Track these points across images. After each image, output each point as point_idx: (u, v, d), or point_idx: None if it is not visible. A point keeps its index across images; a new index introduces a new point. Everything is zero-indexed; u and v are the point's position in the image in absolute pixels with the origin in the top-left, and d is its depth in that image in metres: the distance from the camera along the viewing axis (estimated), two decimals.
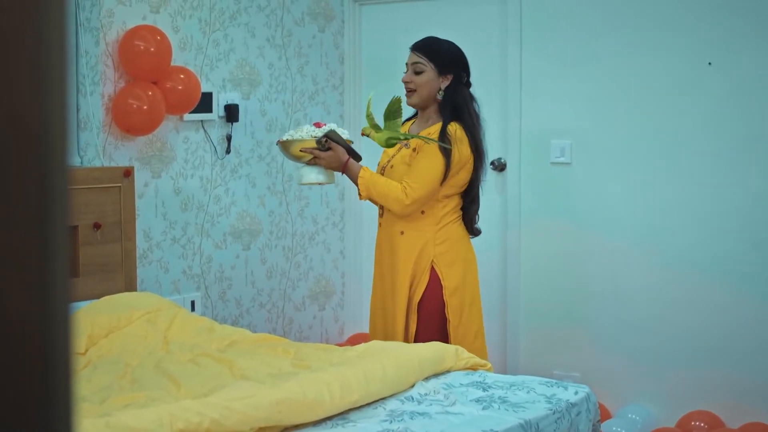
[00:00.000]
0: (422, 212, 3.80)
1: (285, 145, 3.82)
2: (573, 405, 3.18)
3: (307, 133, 3.80)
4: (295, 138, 3.80)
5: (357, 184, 3.79)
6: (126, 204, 4.26)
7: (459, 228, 3.90)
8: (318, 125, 3.86)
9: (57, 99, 0.69)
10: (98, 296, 4.00)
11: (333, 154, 3.77)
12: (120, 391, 3.17)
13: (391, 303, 3.87)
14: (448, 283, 3.81)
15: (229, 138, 4.91)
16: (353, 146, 3.92)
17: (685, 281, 4.64)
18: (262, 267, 5.16)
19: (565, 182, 4.93)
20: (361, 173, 3.77)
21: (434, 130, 3.79)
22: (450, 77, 3.83)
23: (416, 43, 3.90)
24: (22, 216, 0.67)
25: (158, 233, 4.61)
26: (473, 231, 3.96)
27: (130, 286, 4.27)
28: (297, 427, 2.83)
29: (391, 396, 3.13)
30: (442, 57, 3.83)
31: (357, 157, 3.85)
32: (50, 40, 0.69)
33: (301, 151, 3.79)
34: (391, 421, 2.90)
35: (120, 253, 4.23)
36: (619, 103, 4.77)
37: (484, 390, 3.23)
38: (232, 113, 4.89)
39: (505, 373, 4.81)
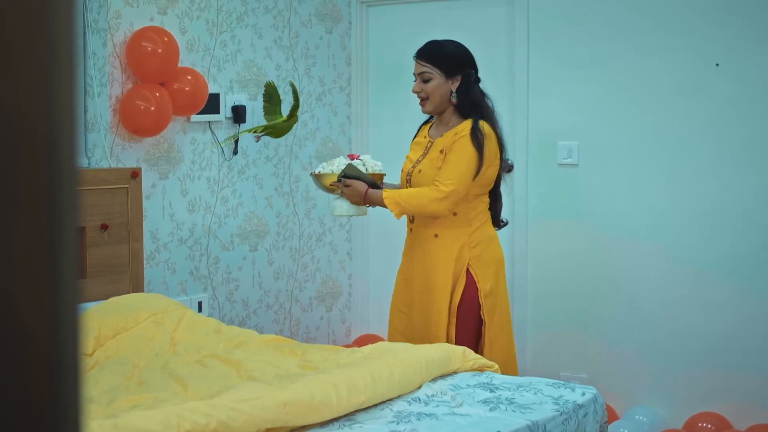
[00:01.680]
0: (454, 214, 3.78)
1: (318, 178, 3.92)
2: (580, 406, 3.18)
3: (338, 167, 3.88)
4: (326, 171, 3.88)
5: (386, 206, 3.76)
6: (133, 205, 4.26)
7: (490, 229, 3.90)
8: (352, 157, 3.94)
9: (65, 100, 0.70)
10: (105, 297, 4.01)
11: (353, 189, 3.80)
12: (127, 393, 3.17)
13: (425, 307, 3.84)
14: (483, 285, 3.80)
15: (236, 140, 4.91)
16: (385, 176, 3.99)
17: (692, 282, 4.63)
18: (269, 268, 5.16)
19: (573, 183, 4.93)
20: (384, 194, 3.75)
21: (461, 128, 3.77)
22: (459, 78, 3.81)
23: (419, 51, 3.87)
24: (31, 217, 0.68)
25: (165, 234, 4.61)
26: (499, 224, 3.95)
27: (137, 287, 4.28)
28: (304, 428, 2.83)
29: (397, 397, 3.13)
30: (448, 60, 3.81)
31: (376, 187, 3.86)
32: (58, 41, 0.69)
33: (330, 185, 3.86)
34: (397, 423, 2.90)
35: (127, 254, 4.24)
36: (626, 104, 4.76)
37: (491, 391, 3.23)
38: (239, 114, 4.89)
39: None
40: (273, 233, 5.18)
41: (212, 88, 4.73)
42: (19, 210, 0.67)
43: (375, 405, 3.04)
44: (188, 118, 4.66)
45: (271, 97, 4.11)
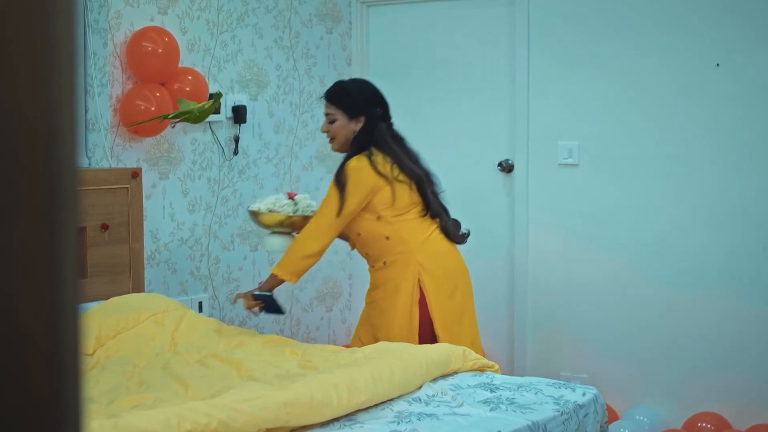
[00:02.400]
0: (387, 238, 3.89)
1: (254, 215, 4.05)
2: (581, 406, 3.18)
3: (274, 204, 4.01)
4: (263, 210, 4.00)
5: (276, 277, 3.96)
6: (134, 205, 4.26)
7: (437, 245, 3.95)
8: (291, 195, 4.06)
9: (66, 100, 0.70)
10: (106, 297, 4.01)
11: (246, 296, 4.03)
12: (128, 393, 3.17)
13: (388, 334, 3.90)
14: (433, 298, 3.88)
15: (236, 139, 4.91)
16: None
17: (692, 283, 4.63)
18: (269, 268, 5.16)
19: (573, 184, 4.93)
20: (272, 270, 3.99)
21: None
22: (362, 119, 3.94)
23: (325, 93, 4.05)
24: (32, 217, 0.68)
25: (166, 234, 4.61)
26: (457, 240, 4.02)
27: (138, 287, 4.28)
28: (304, 428, 2.83)
29: (398, 397, 3.13)
30: (350, 102, 3.95)
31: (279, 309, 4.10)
32: (59, 41, 0.69)
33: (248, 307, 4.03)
34: (398, 423, 2.90)
35: (128, 255, 4.24)
36: (626, 104, 4.76)
37: (492, 391, 3.23)
38: (239, 114, 4.90)
39: (512, 374, 4.81)
40: None
41: (213, 88, 4.73)
42: (19, 210, 0.67)
43: (375, 405, 3.04)
44: None
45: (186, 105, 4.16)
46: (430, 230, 3.95)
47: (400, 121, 5.42)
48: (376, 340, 3.91)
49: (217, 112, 4.67)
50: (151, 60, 4.31)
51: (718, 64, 4.52)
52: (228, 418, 2.67)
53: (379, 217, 3.88)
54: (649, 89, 4.70)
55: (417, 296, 3.87)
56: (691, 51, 4.58)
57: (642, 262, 4.76)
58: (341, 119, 3.95)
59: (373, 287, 4.02)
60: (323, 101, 4.02)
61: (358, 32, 5.57)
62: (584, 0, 4.85)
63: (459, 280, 3.99)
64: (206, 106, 4.16)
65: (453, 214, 4.07)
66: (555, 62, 4.94)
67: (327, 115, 3.99)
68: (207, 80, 4.62)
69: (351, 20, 5.58)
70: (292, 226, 4.04)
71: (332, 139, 4.00)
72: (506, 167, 5.15)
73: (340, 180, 3.85)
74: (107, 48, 4.30)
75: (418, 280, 3.87)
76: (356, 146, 3.92)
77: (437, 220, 3.97)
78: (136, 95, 4.30)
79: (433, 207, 3.97)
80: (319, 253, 3.92)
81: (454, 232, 4.01)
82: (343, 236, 4.06)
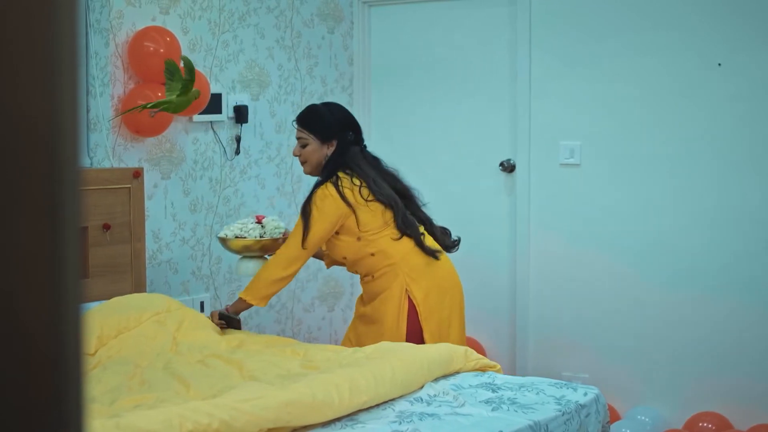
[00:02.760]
0: (372, 255, 3.91)
1: (223, 241, 4.06)
2: (582, 406, 3.18)
3: (241, 229, 4.03)
4: (230, 236, 4.02)
5: (246, 300, 3.94)
6: (135, 205, 4.26)
7: (417, 257, 3.95)
8: (259, 219, 4.07)
9: (68, 100, 0.70)
10: (108, 297, 4.01)
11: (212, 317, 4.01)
12: (129, 392, 3.17)
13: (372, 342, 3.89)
14: (424, 308, 3.91)
15: (238, 139, 4.91)
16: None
17: (694, 283, 4.63)
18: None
19: (575, 183, 4.93)
20: (240, 295, 3.98)
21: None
22: (334, 143, 3.95)
23: (297, 117, 4.06)
24: (34, 217, 0.68)
25: (167, 234, 4.62)
26: (447, 247, 4.03)
27: (140, 287, 4.28)
28: (306, 428, 2.83)
29: (400, 397, 3.13)
30: (322, 127, 3.96)
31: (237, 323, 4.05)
32: (61, 41, 0.69)
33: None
34: (400, 422, 2.90)
35: (129, 254, 4.24)
36: (628, 104, 4.76)
37: (494, 391, 3.23)
38: (241, 114, 4.90)
39: (514, 374, 4.81)
40: None
41: (214, 88, 4.73)
42: (21, 210, 0.67)
43: (377, 405, 3.04)
44: (190, 118, 4.66)
45: (172, 74, 4.10)
46: (411, 243, 3.95)
47: (400, 121, 5.43)
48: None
49: (218, 110, 4.62)
50: (153, 60, 4.31)
51: (719, 64, 4.52)
52: (230, 417, 2.66)
53: (359, 238, 3.91)
54: (650, 89, 4.70)
55: (405, 306, 3.89)
56: (692, 51, 4.58)
57: (644, 261, 4.75)
58: (313, 143, 3.96)
59: (366, 300, 4.03)
60: (295, 125, 4.04)
61: (359, 32, 5.57)
62: (586, 0, 4.85)
63: (448, 288, 4.00)
64: (186, 96, 4.09)
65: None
66: (556, 62, 4.94)
67: (299, 139, 4.00)
68: (209, 80, 4.62)
69: (353, 20, 5.58)
70: (262, 249, 4.05)
71: (304, 163, 4.02)
72: (508, 167, 5.15)
73: (306, 210, 3.89)
74: (109, 48, 4.30)
75: (406, 290, 3.89)
76: (328, 171, 3.93)
77: (412, 238, 3.95)
78: (138, 95, 4.30)
79: (403, 227, 3.94)
80: (288, 278, 3.93)
81: (442, 240, 4.03)
82: (317, 256, 4.13)
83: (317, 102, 4.51)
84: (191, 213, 4.72)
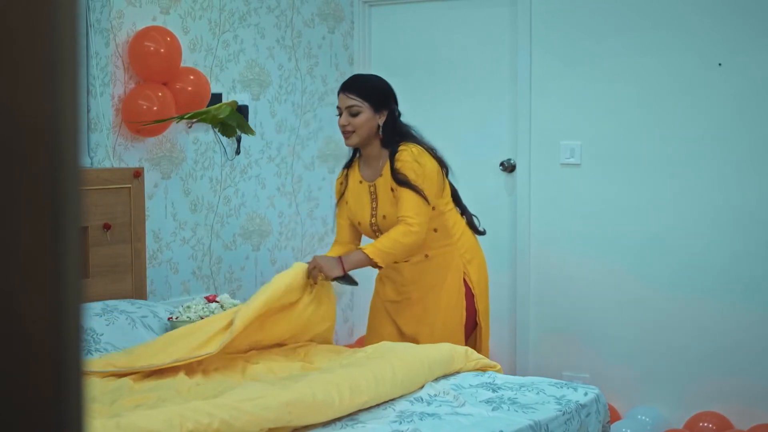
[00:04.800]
0: (435, 230, 3.82)
1: (174, 325, 3.78)
2: (583, 406, 3.18)
3: (195, 312, 3.80)
4: (183, 319, 3.78)
5: (370, 260, 3.65)
6: (136, 205, 4.26)
7: (471, 235, 3.97)
8: (210, 299, 3.91)
9: (68, 100, 0.70)
10: (108, 297, 4.01)
11: (325, 263, 3.65)
12: (130, 392, 3.17)
13: (433, 328, 3.84)
14: (478, 291, 3.91)
15: (238, 139, 4.91)
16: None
17: (694, 282, 4.63)
18: (271, 268, 5.16)
19: (575, 183, 4.93)
20: (366, 249, 3.66)
21: (399, 163, 3.74)
22: (386, 113, 3.81)
23: (346, 85, 3.86)
24: (34, 217, 0.68)
25: (168, 234, 4.61)
26: (479, 232, 4.02)
27: (140, 286, 4.28)
28: (306, 427, 2.83)
29: (400, 397, 3.13)
30: (376, 95, 3.81)
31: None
32: (62, 41, 0.69)
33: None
34: (400, 422, 2.90)
35: (130, 254, 4.24)
36: (629, 103, 4.76)
37: (494, 391, 3.23)
38: (241, 114, 4.89)
39: (514, 374, 4.81)
40: (275, 233, 5.18)
41: (215, 88, 4.73)
42: (22, 209, 0.67)
43: (378, 405, 3.04)
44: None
45: (228, 109, 4.11)
46: (464, 221, 3.94)
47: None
48: (402, 336, 3.89)
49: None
50: (153, 60, 4.31)
51: (720, 64, 4.52)
52: (230, 417, 2.67)
53: (433, 208, 3.78)
54: (651, 89, 4.70)
55: (463, 290, 3.86)
56: (693, 50, 4.58)
57: (644, 261, 4.75)
58: (366, 112, 3.78)
59: (408, 282, 3.89)
60: (343, 94, 3.82)
61: (360, 32, 5.57)
62: (586, 0, 4.85)
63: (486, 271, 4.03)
64: (223, 111, 4.08)
65: None
66: (557, 62, 4.94)
67: (350, 108, 3.78)
68: (209, 80, 4.63)
69: (353, 20, 5.58)
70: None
71: (352, 133, 3.80)
72: (508, 167, 5.15)
73: (406, 177, 3.69)
74: (109, 48, 4.30)
75: (464, 273, 3.86)
76: (392, 141, 3.78)
77: (465, 216, 3.96)
78: (138, 95, 4.30)
79: (462, 203, 3.97)
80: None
81: (475, 225, 4.03)
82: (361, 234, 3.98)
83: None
84: (191, 213, 4.72)
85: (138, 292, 4.25)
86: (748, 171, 4.50)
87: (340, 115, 3.84)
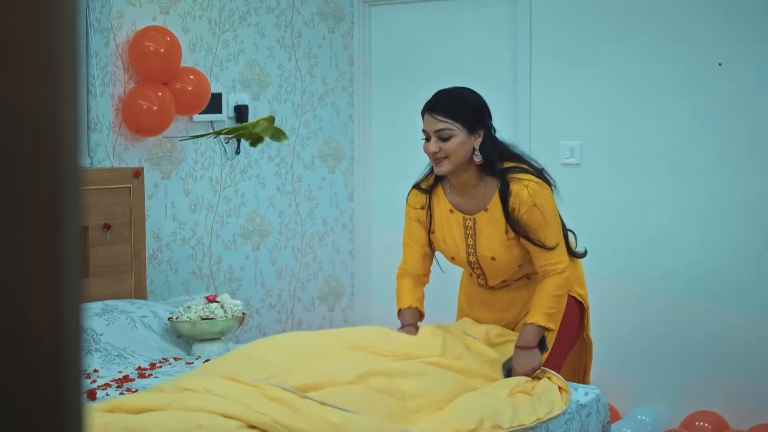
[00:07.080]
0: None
1: (174, 325, 3.80)
2: (583, 406, 3.18)
3: (195, 312, 3.81)
4: (183, 319, 3.80)
5: (545, 328, 3.24)
6: (136, 205, 4.26)
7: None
8: (210, 299, 3.91)
9: (68, 100, 0.70)
10: (108, 297, 4.01)
11: (527, 358, 3.23)
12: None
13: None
14: (587, 304, 3.56)
15: (238, 139, 4.91)
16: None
17: (694, 282, 4.63)
18: (271, 268, 5.16)
19: (575, 183, 4.93)
20: (537, 321, 3.23)
21: (520, 198, 3.25)
22: (482, 133, 3.25)
23: (432, 104, 3.27)
24: (35, 216, 0.68)
25: (168, 234, 4.61)
26: (577, 255, 3.54)
27: (140, 286, 4.28)
28: None
29: None
30: (470, 113, 3.24)
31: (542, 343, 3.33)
32: (62, 41, 0.69)
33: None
34: None
35: (130, 254, 4.24)
36: (629, 103, 4.76)
37: None
38: (241, 114, 4.89)
39: None
40: (275, 233, 5.18)
41: (215, 88, 4.73)
42: (22, 209, 0.67)
43: None
44: (191, 118, 4.66)
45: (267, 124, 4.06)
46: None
47: (401, 121, 5.43)
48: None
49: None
50: (153, 59, 4.31)
51: (720, 64, 4.52)
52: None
53: None
54: (651, 89, 4.70)
55: (576, 306, 3.47)
56: (692, 50, 4.58)
57: (643, 261, 4.75)
58: (460, 135, 3.19)
59: (505, 308, 3.47)
60: (430, 115, 3.24)
61: (360, 32, 5.57)
62: (586, 0, 4.85)
63: None
64: (260, 126, 4.01)
65: None
66: (557, 62, 4.94)
67: (440, 132, 3.21)
68: (209, 80, 4.63)
69: (353, 20, 5.58)
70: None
71: (444, 159, 3.23)
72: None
73: (542, 213, 3.26)
74: (109, 47, 4.30)
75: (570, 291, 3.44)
76: (488, 165, 3.25)
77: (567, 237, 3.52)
78: (138, 95, 4.30)
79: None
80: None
81: (572, 247, 3.56)
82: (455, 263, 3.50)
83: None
84: (191, 213, 4.72)
85: (138, 292, 4.25)
86: (748, 171, 4.49)
87: (427, 139, 3.27)
